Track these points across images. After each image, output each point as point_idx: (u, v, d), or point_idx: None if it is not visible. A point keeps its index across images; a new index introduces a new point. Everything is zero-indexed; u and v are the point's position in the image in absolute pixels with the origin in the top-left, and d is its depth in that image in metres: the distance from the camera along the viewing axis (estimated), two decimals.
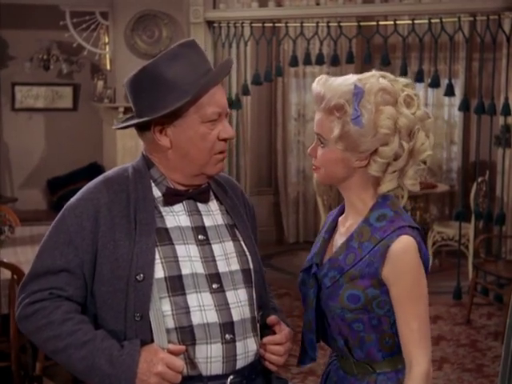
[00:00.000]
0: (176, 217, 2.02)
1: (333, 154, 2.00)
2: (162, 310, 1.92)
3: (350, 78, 1.99)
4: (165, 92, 1.96)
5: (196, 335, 1.93)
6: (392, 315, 2.00)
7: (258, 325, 2.08)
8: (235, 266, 2.04)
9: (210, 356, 1.94)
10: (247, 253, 2.08)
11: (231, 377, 1.97)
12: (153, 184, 2.04)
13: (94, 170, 8.63)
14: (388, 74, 2.03)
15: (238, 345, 1.98)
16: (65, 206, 2.03)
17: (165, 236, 1.98)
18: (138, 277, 1.91)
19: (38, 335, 1.96)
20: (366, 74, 2.02)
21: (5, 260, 4.21)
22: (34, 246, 4.91)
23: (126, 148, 7.26)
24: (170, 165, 2.02)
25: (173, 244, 1.97)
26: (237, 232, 2.10)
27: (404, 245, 1.96)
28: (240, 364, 1.99)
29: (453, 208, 8.46)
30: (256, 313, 2.07)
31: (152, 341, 1.91)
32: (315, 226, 8.76)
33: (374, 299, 1.98)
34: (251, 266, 2.07)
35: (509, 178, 7.17)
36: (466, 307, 6.14)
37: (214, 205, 2.10)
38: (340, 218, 2.15)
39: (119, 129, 2.11)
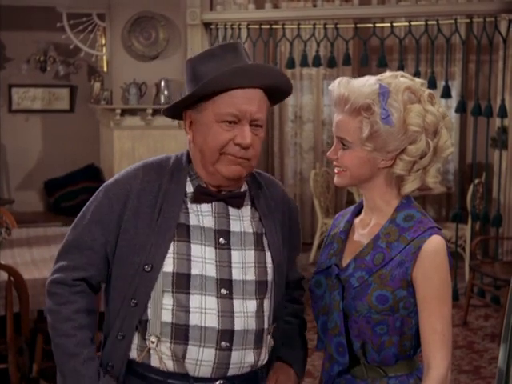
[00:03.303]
0: (200, 216, 2.01)
1: (358, 155, 1.99)
2: (163, 303, 1.94)
3: (371, 79, 1.99)
4: (192, 87, 1.98)
5: (190, 336, 1.94)
6: (414, 316, 2.00)
7: (269, 337, 2.07)
8: (251, 276, 2.01)
9: (200, 359, 1.94)
10: (269, 264, 2.05)
11: (220, 381, 1.97)
12: (188, 179, 2.04)
13: (91, 171, 8.63)
14: (406, 74, 2.04)
15: (234, 354, 1.97)
16: (102, 186, 2.08)
17: (184, 232, 1.98)
18: (146, 267, 1.94)
19: (49, 316, 2.06)
20: (386, 74, 2.02)
21: (2, 262, 4.20)
22: (31, 247, 4.91)
23: (123, 150, 7.26)
24: (194, 159, 2.05)
25: (189, 242, 1.98)
26: (264, 241, 2.06)
27: (436, 245, 1.97)
28: (232, 372, 1.98)
29: (449, 209, 8.46)
30: (266, 325, 2.04)
31: (136, 329, 1.98)
32: (312, 227, 8.75)
33: (401, 300, 1.98)
34: (269, 278, 2.04)
35: (505, 179, 7.18)
36: (462, 309, 6.14)
37: (246, 210, 2.07)
38: (357, 219, 2.13)
39: (165, 112, 2.11)
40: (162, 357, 1.96)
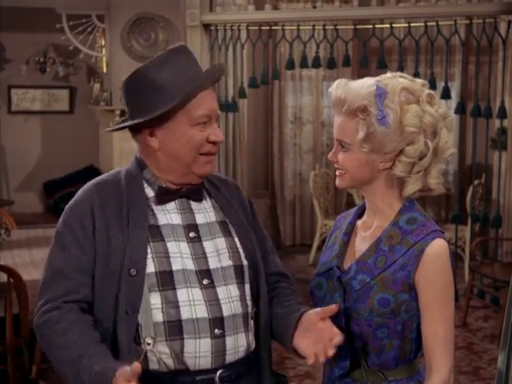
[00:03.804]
0: (168, 215, 2.06)
1: (357, 157, 1.98)
2: (152, 303, 1.95)
3: (369, 80, 1.99)
4: (153, 96, 2.01)
5: (184, 330, 1.95)
6: (416, 320, 1.99)
7: (252, 321, 2.09)
8: (226, 262, 2.06)
9: (198, 351, 1.96)
10: (240, 249, 2.10)
11: (220, 371, 1.99)
12: (146, 184, 2.08)
13: (91, 172, 8.62)
14: (405, 75, 2.03)
15: (228, 340, 1.99)
16: (64, 211, 2.08)
17: (156, 233, 2.02)
18: (131, 271, 1.96)
19: (44, 345, 2.01)
20: (385, 76, 2.02)
21: (1, 263, 4.20)
22: (30, 248, 4.92)
23: (122, 151, 7.26)
24: (161, 166, 2.07)
25: (164, 241, 2.01)
26: (230, 228, 2.12)
27: (439, 248, 1.96)
28: (229, 359, 2.00)
29: (449, 211, 8.46)
30: (249, 309, 2.08)
31: (133, 336, 1.94)
32: (312, 228, 8.76)
33: (403, 304, 1.97)
34: (244, 263, 2.09)
35: (505, 180, 7.19)
36: (462, 310, 6.13)
37: (207, 203, 2.13)
38: (359, 222, 2.12)
39: (112, 131, 2.19)
40: (160, 357, 1.96)
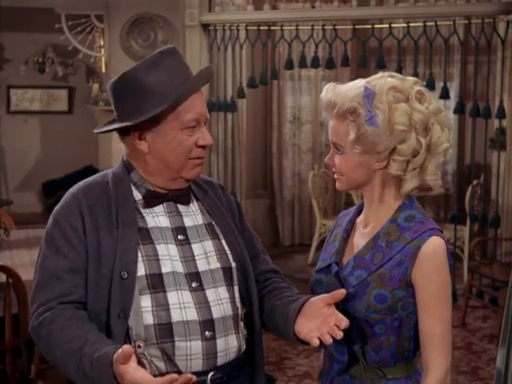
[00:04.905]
0: (156, 218, 2.06)
1: (351, 159, 2.00)
2: (142, 306, 1.95)
3: (359, 82, 2.00)
4: (143, 99, 2.00)
5: (175, 332, 1.95)
6: (414, 317, 2.00)
7: (242, 323, 2.10)
8: (215, 264, 2.06)
9: (189, 353, 1.96)
10: (228, 251, 2.10)
11: (212, 373, 1.99)
12: (133, 187, 2.08)
13: (90, 173, 8.51)
14: (396, 74, 2.04)
15: (219, 342, 1.99)
16: (52, 215, 2.07)
17: (146, 235, 2.02)
18: (122, 274, 1.95)
19: (42, 347, 1.99)
20: (374, 76, 2.03)
21: (0, 263, 4.19)
22: (29, 249, 4.90)
23: (121, 151, 7.23)
24: (149, 169, 2.07)
25: (153, 243, 2.01)
26: (217, 231, 2.12)
27: (436, 246, 1.97)
28: (221, 361, 2.00)
29: (448, 211, 8.47)
30: (239, 310, 2.08)
31: (124, 339, 1.93)
32: (310, 228, 8.76)
33: (400, 300, 1.98)
34: (232, 265, 2.09)
35: (504, 180, 7.18)
36: (461, 310, 6.14)
37: (194, 205, 2.13)
38: (358, 219, 2.14)
39: (100, 133, 2.17)
40: (151, 360, 1.96)
